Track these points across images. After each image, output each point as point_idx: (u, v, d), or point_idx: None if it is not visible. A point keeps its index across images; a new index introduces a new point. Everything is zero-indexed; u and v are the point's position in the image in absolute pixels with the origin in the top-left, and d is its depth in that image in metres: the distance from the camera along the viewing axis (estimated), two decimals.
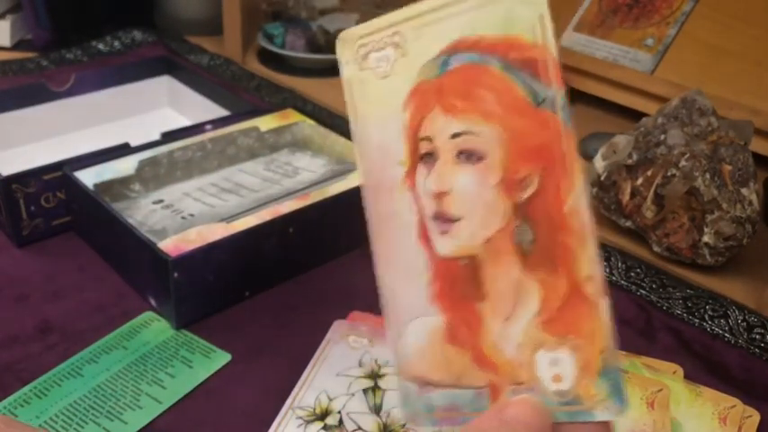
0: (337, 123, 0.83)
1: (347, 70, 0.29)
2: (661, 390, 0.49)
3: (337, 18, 1.06)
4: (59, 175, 0.62)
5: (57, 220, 0.64)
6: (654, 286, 0.62)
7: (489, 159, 0.26)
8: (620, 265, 0.64)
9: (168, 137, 0.69)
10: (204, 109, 0.82)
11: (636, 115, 0.79)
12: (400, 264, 0.28)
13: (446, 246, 0.27)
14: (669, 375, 0.52)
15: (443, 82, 0.26)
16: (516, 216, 0.25)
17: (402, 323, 0.28)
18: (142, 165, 0.64)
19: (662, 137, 0.64)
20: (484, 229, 0.26)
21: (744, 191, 0.61)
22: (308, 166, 0.69)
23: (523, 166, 0.25)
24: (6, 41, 1.02)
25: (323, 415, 0.47)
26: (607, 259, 0.64)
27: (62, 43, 1.02)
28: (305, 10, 1.05)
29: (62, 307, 0.56)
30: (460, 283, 0.26)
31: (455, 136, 0.26)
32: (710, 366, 0.55)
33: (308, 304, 0.58)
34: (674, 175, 0.62)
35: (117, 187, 0.62)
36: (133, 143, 0.67)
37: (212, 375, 0.51)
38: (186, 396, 0.49)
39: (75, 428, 0.46)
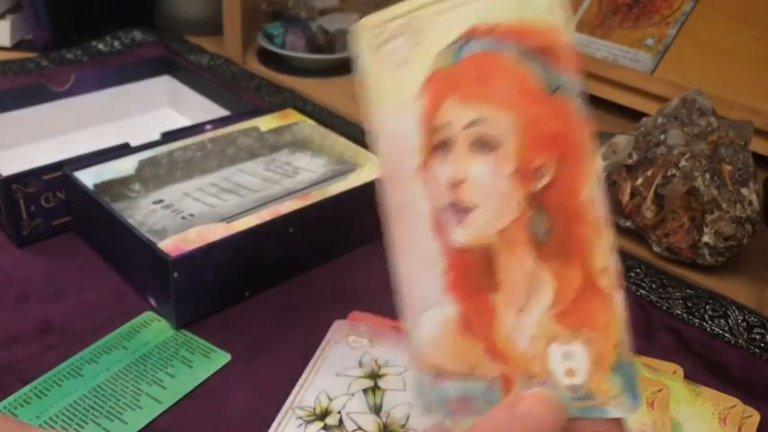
0: (337, 123, 0.83)
1: (364, 59, 0.28)
2: (661, 390, 0.49)
3: (337, 18, 1.06)
4: (59, 175, 0.62)
5: (57, 220, 0.64)
6: (654, 286, 0.62)
7: (504, 148, 0.25)
8: (619, 265, 0.64)
9: (168, 137, 0.68)
10: (204, 109, 0.82)
11: (636, 115, 0.79)
12: (415, 254, 0.28)
13: (461, 236, 0.26)
14: (669, 375, 0.52)
15: (458, 70, 0.26)
16: (531, 206, 0.25)
17: (417, 313, 0.28)
18: (142, 165, 0.64)
19: (662, 137, 0.64)
20: (498, 218, 0.26)
21: (744, 191, 0.61)
22: (308, 166, 0.69)
23: (538, 154, 0.25)
24: (6, 41, 1.02)
25: (323, 415, 0.47)
26: None
27: (62, 43, 1.02)
28: (305, 10, 1.05)
29: (62, 307, 0.56)
30: (474, 274, 0.26)
31: (470, 125, 0.26)
32: (710, 366, 0.55)
33: (308, 304, 0.58)
34: (674, 175, 0.62)
35: (117, 187, 0.62)
36: (133, 143, 0.67)
37: (212, 375, 0.51)
38: (186, 396, 0.49)
39: (75, 428, 0.46)
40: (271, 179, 0.67)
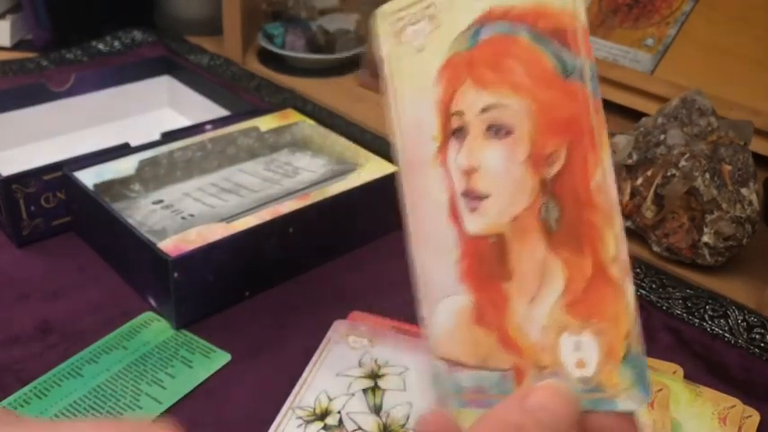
0: (337, 123, 0.83)
1: (385, 45, 0.28)
2: (661, 390, 0.49)
3: (337, 18, 1.06)
4: (59, 176, 0.62)
5: (57, 220, 0.64)
6: (653, 286, 0.62)
7: (517, 133, 0.25)
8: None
9: (168, 137, 0.69)
10: (204, 109, 0.82)
11: (636, 115, 0.79)
12: (431, 241, 0.27)
13: (475, 223, 0.26)
14: (669, 375, 0.52)
15: (474, 54, 0.26)
16: (543, 193, 0.25)
17: (433, 302, 0.27)
18: (142, 165, 0.64)
19: (662, 137, 0.64)
20: (511, 206, 0.25)
21: (743, 191, 0.61)
22: (308, 166, 0.69)
23: (551, 139, 0.24)
24: (6, 41, 1.02)
25: (323, 415, 0.47)
26: None
27: (62, 43, 1.02)
28: (305, 10, 1.05)
29: (62, 307, 0.56)
30: (488, 262, 0.26)
31: (484, 110, 0.26)
32: (710, 366, 0.55)
33: (308, 304, 0.58)
34: (673, 175, 0.62)
35: (117, 187, 0.62)
36: (133, 143, 0.67)
37: (212, 375, 0.51)
38: (186, 396, 0.49)
39: None
40: (271, 179, 0.67)
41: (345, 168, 0.67)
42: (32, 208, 0.62)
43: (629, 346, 0.23)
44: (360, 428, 0.47)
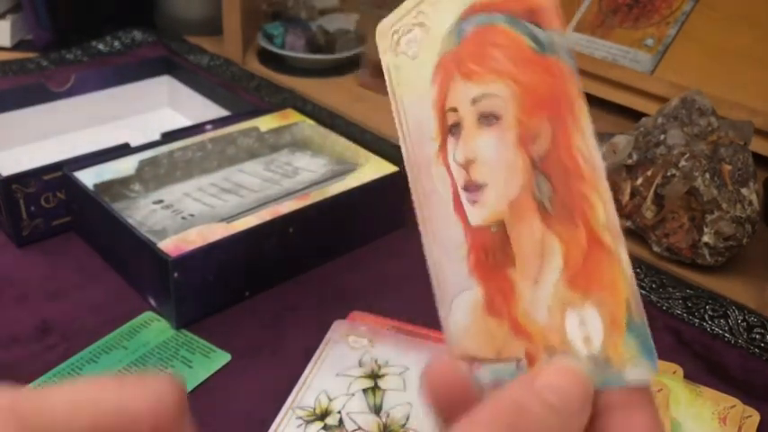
0: (337, 123, 0.83)
1: (385, 59, 0.29)
2: (661, 390, 0.49)
3: (337, 18, 1.06)
4: (59, 176, 0.62)
5: (57, 220, 0.64)
6: (654, 286, 0.62)
7: (505, 118, 0.25)
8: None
9: (168, 137, 0.69)
10: (204, 109, 0.82)
11: (636, 115, 0.79)
12: (443, 239, 0.28)
13: (476, 215, 0.26)
14: (669, 375, 0.52)
15: (460, 50, 0.27)
16: (535, 172, 0.25)
17: (449, 300, 0.28)
18: (142, 165, 0.64)
19: (662, 137, 0.64)
20: (507, 191, 0.26)
21: (744, 191, 0.61)
22: (308, 166, 0.69)
23: (536, 118, 0.25)
24: (6, 41, 1.02)
25: (323, 415, 0.47)
26: None
27: (62, 43, 1.02)
28: (305, 10, 1.05)
29: (62, 307, 0.56)
30: (492, 252, 0.26)
31: (474, 101, 0.26)
32: (710, 366, 0.55)
33: (308, 304, 0.58)
34: (673, 175, 0.62)
35: (117, 187, 0.62)
36: (133, 143, 0.67)
37: (212, 375, 0.51)
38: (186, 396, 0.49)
39: None
40: (271, 179, 0.67)
41: (345, 168, 0.67)
42: (32, 208, 0.62)
43: (630, 313, 0.23)
44: (360, 428, 0.47)
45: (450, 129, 0.27)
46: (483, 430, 0.21)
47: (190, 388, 0.50)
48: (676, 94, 0.67)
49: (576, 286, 0.24)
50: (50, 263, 0.61)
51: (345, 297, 0.58)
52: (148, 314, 0.56)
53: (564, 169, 0.24)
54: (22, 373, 0.50)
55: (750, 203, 0.61)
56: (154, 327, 0.55)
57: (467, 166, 0.27)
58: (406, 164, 0.29)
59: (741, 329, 0.58)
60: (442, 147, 0.27)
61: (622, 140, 0.66)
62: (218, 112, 0.80)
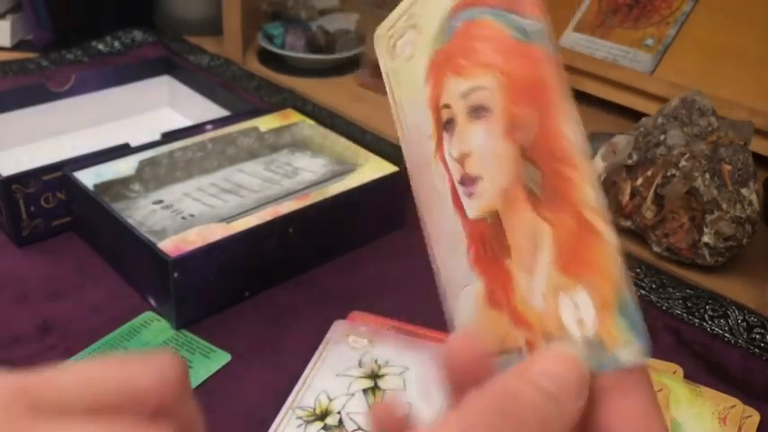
0: (337, 123, 0.83)
1: (383, 64, 0.30)
2: (661, 390, 0.49)
3: (337, 18, 1.06)
4: (59, 176, 0.62)
5: (57, 220, 0.64)
6: (653, 286, 0.62)
7: (493, 109, 0.26)
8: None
9: (168, 137, 0.69)
10: (204, 109, 0.82)
11: (636, 115, 0.79)
12: (444, 237, 0.28)
13: (473, 207, 0.27)
14: (669, 375, 0.52)
15: (450, 47, 0.27)
16: (524, 160, 0.25)
17: (454, 297, 0.28)
18: (142, 165, 0.64)
19: (662, 137, 0.64)
20: (499, 181, 0.26)
21: (744, 191, 0.61)
22: (308, 167, 0.69)
23: (522, 105, 0.25)
24: (7, 42, 1.02)
25: (323, 415, 0.47)
26: None
27: (62, 43, 1.02)
28: (305, 10, 1.05)
29: (62, 307, 0.56)
30: (490, 244, 0.26)
31: (464, 96, 0.27)
32: (710, 366, 0.55)
33: (308, 304, 0.58)
34: (673, 176, 0.62)
35: (117, 187, 0.62)
36: (133, 143, 0.67)
37: (212, 375, 0.51)
38: None
39: None
40: (271, 179, 0.67)
41: (345, 168, 0.67)
42: (32, 208, 0.62)
43: (619, 294, 0.23)
44: (360, 428, 0.47)
45: (445, 125, 0.27)
46: (476, 419, 0.20)
47: None
48: (676, 94, 0.67)
49: (568, 270, 0.24)
50: (50, 263, 0.61)
51: (345, 297, 0.58)
52: (148, 314, 0.56)
53: (550, 154, 0.25)
54: None
55: (750, 203, 0.61)
56: (154, 327, 0.55)
57: (462, 160, 0.27)
58: (407, 165, 0.29)
59: (741, 329, 0.58)
60: (439, 144, 0.28)
61: (622, 140, 0.66)
62: (218, 112, 0.80)
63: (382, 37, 0.30)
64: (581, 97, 0.90)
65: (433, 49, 0.28)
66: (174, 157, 0.66)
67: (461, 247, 0.27)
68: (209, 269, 0.55)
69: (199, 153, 0.68)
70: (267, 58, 1.01)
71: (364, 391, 0.49)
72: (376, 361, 0.52)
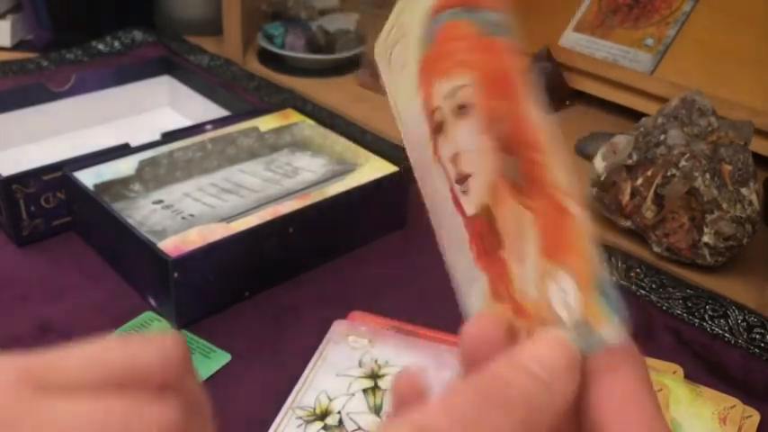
0: (337, 123, 0.83)
1: (383, 75, 0.30)
2: (661, 390, 0.49)
3: (337, 18, 1.06)
4: (59, 176, 0.62)
5: (57, 220, 0.64)
6: (654, 286, 0.62)
7: (473, 105, 0.27)
8: (619, 265, 0.64)
9: (168, 137, 0.69)
10: (204, 109, 0.82)
11: (636, 115, 0.79)
12: (451, 236, 0.29)
13: (469, 204, 0.27)
14: (669, 375, 0.52)
15: (431, 52, 0.28)
16: (504, 152, 0.26)
17: (468, 295, 0.28)
18: (142, 165, 0.64)
19: (662, 137, 0.64)
20: (486, 176, 0.27)
21: (744, 191, 0.61)
22: (308, 166, 0.69)
23: (495, 98, 0.26)
24: (7, 42, 1.02)
25: (323, 415, 0.47)
26: (607, 259, 0.64)
27: (62, 43, 1.02)
28: (305, 10, 1.05)
29: (62, 307, 0.56)
30: (487, 238, 0.27)
31: (449, 96, 0.27)
32: (710, 366, 0.55)
33: (308, 304, 0.58)
34: (674, 175, 0.62)
35: (117, 187, 0.62)
36: (133, 143, 0.67)
37: (212, 375, 0.51)
38: None
39: None
40: (271, 179, 0.67)
41: (345, 168, 0.67)
42: (32, 208, 0.62)
43: (596, 273, 0.23)
44: (360, 428, 0.47)
45: (438, 128, 0.28)
46: (461, 402, 0.20)
47: None
48: (676, 94, 0.67)
49: (551, 256, 0.25)
50: (50, 263, 0.61)
51: (345, 297, 0.58)
52: (148, 314, 0.56)
53: (524, 142, 0.25)
54: None
55: (750, 203, 0.61)
56: (154, 327, 0.55)
57: (454, 159, 0.27)
58: (415, 174, 0.30)
59: (741, 329, 0.58)
60: (435, 147, 0.28)
61: (622, 140, 0.66)
62: (218, 112, 0.80)
63: (380, 48, 0.30)
64: (581, 97, 0.90)
65: (420, 55, 0.28)
66: (174, 157, 0.66)
67: (465, 246, 0.28)
68: (209, 269, 0.55)
69: (199, 153, 0.68)
70: (267, 58, 1.01)
71: (364, 391, 0.49)
72: (376, 361, 0.52)
